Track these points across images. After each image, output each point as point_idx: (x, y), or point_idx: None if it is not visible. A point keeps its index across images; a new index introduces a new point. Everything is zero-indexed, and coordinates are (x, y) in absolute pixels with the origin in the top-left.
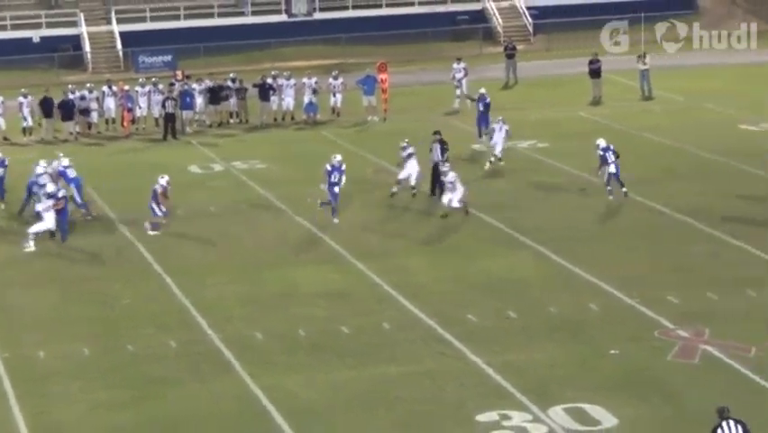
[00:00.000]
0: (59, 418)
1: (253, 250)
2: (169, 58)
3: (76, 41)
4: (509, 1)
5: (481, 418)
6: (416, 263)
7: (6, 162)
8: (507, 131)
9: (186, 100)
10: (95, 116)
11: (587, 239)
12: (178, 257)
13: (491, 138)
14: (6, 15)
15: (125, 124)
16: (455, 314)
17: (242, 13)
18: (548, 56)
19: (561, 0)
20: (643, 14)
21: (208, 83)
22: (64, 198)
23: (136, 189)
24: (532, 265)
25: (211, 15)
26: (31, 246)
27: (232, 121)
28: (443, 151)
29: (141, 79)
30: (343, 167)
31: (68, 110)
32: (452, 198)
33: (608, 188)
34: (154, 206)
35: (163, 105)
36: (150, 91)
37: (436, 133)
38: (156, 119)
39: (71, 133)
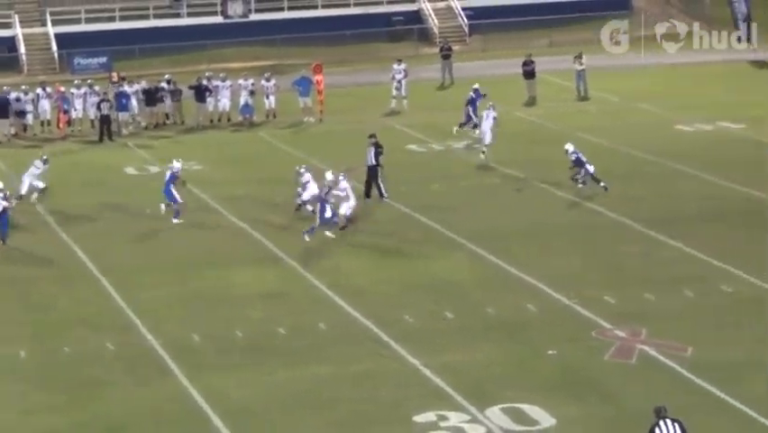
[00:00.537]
0: None
1: (189, 251)
2: (104, 59)
3: (10, 43)
4: (445, 2)
5: (419, 418)
6: (353, 264)
7: None
8: (494, 118)
9: (121, 102)
10: (30, 118)
11: (523, 240)
12: (114, 259)
13: (480, 127)
14: None
15: (61, 125)
16: (392, 315)
17: (177, 15)
18: (484, 56)
19: (496, 1)
20: (578, 14)
21: (143, 85)
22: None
23: (72, 191)
24: (469, 266)
25: (146, 17)
26: None
27: (167, 122)
28: (378, 154)
29: (76, 81)
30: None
31: (2, 108)
32: (349, 207)
33: (580, 185)
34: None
35: (98, 107)
36: (85, 93)
37: (372, 136)
38: (92, 121)
39: (5, 135)
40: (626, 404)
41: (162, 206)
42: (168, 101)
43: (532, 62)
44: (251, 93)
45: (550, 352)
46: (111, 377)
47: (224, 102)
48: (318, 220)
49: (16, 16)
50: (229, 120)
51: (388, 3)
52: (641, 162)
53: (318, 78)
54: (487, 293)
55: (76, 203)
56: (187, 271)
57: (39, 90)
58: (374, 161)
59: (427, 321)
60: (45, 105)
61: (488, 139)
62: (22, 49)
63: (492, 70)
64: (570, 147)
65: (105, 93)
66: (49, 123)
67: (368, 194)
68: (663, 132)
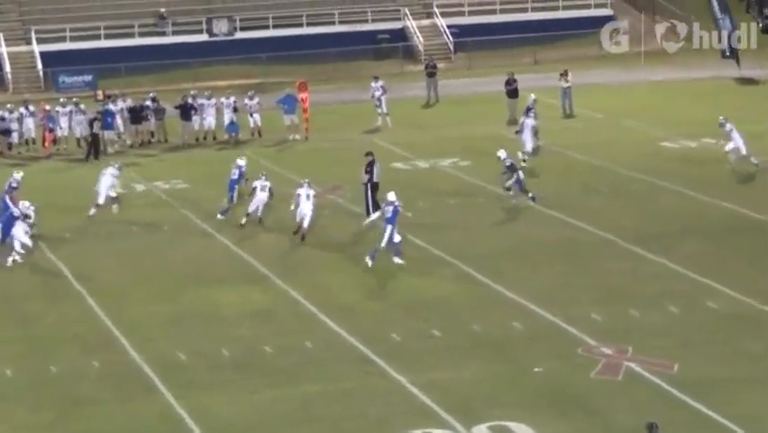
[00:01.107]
0: None
1: (175, 270)
2: (89, 78)
3: None
4: (430, 19)
5: None
6: (339, 282)
7: None
8: (532, 126)
9: (107, 120)
10: (15, 137)
11: (510, 257)
12: (100, 277)
13: (522, 134)
14: None
15: (46, 144)
16: (379, 333)
17: (162, 33)
18: (469, 74)
19: (481, 19)
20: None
21: (129, 103)
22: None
23: (58, 210)
24: (455, 284)
25: (131, 35)
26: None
27: (152, 141)
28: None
29: (61, 99)
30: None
31: None
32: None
33: (511, 193)
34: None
35: (91, 125)
36: (71, 111)
37: (369, 154)
38: (78, 139)
39: None
40: (613, 421)
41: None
42: (152, 119)
43: (515, 81)
44: (236, 110)
45: (536, 369)
46: (98, 395)
47: (210, 120)
48: (383, 243)
49: (1, 35)
50: (214, 138)
51: (374, 21)
52: (626, 179)
53: (303, 95)
54: (474, 311)
55: (62, 221)
56: (173, 289)
57: (22, 109)
58: (379, 178)
59: (414, 339)
60: (29, 123)
61: (528, 147)
62: (8, 67)
63: (477, 88)
64: (502, 154)
65: (98, 111)
66: (33, 141)
67: (376, 206)
68: (649, 149)
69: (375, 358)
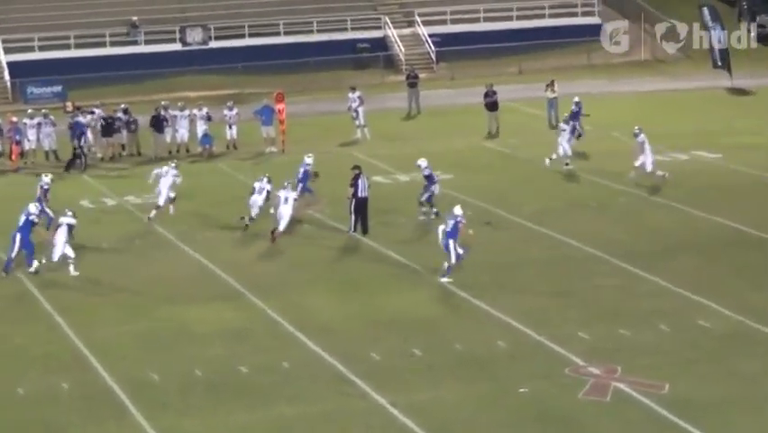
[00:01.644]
0: None
1: (147, 287)
2: (58, 88)
3: None
4: (411, 28)
5: None
6: (317, 300)
7: None
8: (567, 131)
9: (76, 133)
10: None
11: (493, 273)
12: (69, 295)
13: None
14: None
15: (13, 157)
16: (358, 352)
17: (134, 42)
18: (452, 85)
19: (464, 27)
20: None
21: (101, 114)
22: None
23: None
24: (437, 301)
25: (102, 44)
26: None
27: (123, 154)
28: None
29: (29, 110)
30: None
31: None
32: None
33: (424, 209)
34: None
35: (80, 138)
36: (39, 123)
37: (355, 167)
38: (46, 152)
39: None
40: None
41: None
42: (124, 132)
43: (494, 93)
44: (209, 118)
45: (521, 390)
46: (67, 418)
47: (183, 132)
48: (454, 259)
49: None
50: (188, 151)
51: (353, 29)
52: (615, 193)
53: (280, 106)
54: (456, 329)
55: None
56: (145, 306)
57: None
58: (365, 193)
59: (394, 358)
60: None
61: (560, 151)
62: None
63: (460, 99)
64: (423, 163)
65: (87, 123)
66: (0, 154)
67: (366, 229)
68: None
69: (354, 378)
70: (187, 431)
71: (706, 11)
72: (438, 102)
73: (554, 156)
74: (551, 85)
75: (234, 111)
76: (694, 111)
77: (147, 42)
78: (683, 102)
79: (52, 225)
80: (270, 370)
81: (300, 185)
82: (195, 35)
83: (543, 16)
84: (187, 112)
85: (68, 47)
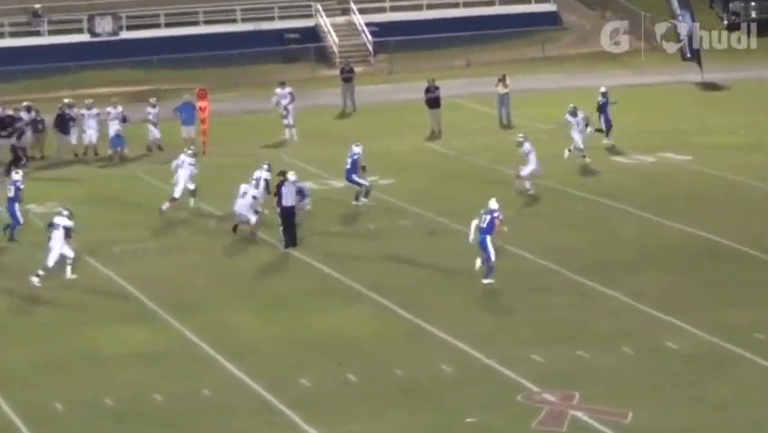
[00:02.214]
0: None
1: (52, 307)
2: None
3: None
4: (346, 16)
5: None
6: (240, 319)
7: None
8: (575, 123)
9: None
10: None
11: (437, 289)
12: None
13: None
14: None
15: None
16: (287, 377)
17: (37, 33)
18: (390, 79)
19: (405, 15)
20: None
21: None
22: None
23: None
24: (373, 320)
25: (1, 35)
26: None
27: (25, 158)
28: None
29: None
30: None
31: None
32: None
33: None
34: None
35: (19, 138)
36: None
37: (280, 173)
38: None
39: None
40: None
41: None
42: (27, 132)
43: (436, 88)
44: (125, 119)
45: (469, 420)
46: None
47: (91, 133)
48: (491, 258)
49: None
50: (96, 154)
51: (281, 18)
52: (572, 200)
53: (202, 104)
54: (395, 352)
55: None
56: (49, 328)
57: None
58: (292, 202)
59: (327, 384)
60: None
61: (576, 143)
62: None
63: (400, 95)
64: (291, 176)
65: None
66: None
67: (293, 241)
68: (598, 165)
69: (282, 407)
70: None
71: None
72: (376, 98)
73: (572, 148)
74: (502, 79)
75: (158, 109)
76: (661, 108)
77: (51, 33)
78: (649, 98)
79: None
80: (188, 398)
81: (350, 178)
82: (104, 25)
83: (493, 3)
84: (95, 111)
85: None
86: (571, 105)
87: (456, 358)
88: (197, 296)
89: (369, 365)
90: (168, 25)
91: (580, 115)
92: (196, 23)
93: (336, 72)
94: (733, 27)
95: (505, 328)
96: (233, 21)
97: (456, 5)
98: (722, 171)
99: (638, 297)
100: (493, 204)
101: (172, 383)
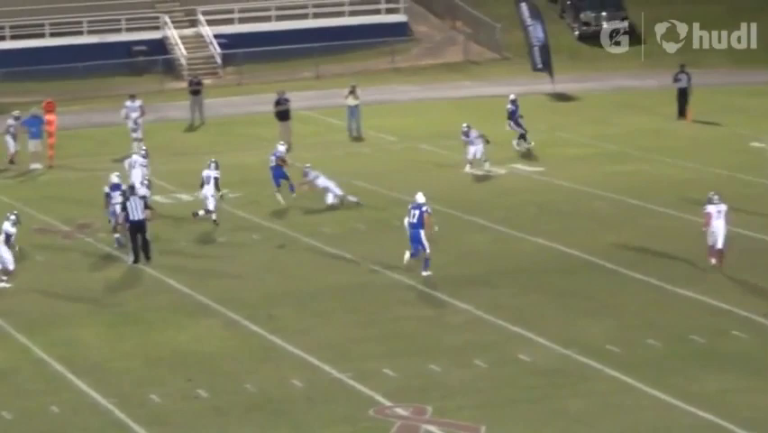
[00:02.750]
0: None
1: None
2: None
3: None
4: (194, 28)
5: None
6: (89, 335)
7: None
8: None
9: None
10: None
11: (288, 303)
12: None
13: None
14: None
15: None
16: (137, 394)
17: None
18: (240, 91)
19: (254, 27)
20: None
21: None
22: None
23: None
24: (223, 335)
25: None
26: None
27: None
28: (145, 205)
29: None
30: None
31: None
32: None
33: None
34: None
35: None
36: None
37: (130, 187)
38: None
39: None
40: None
41: None
42: None
43: (286, 100)
44: None
45: None
46: None
47: None
48: (428, 249)
49: None
50: None
51: (129, 30)
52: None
53: (50, 117)
54: (245, 367)
55: None
56: None
57: None
58: (140, 215)
59: (177, 400)
60: None
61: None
62: None
63: (250, 107)
64: (114, 178)
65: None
66: None
67: (138, 257)
68: (449, 176)
69: (133, 425)
70: None
71: (524, 7)
72: (225, 111)
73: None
74: (352, 91)
75: (20, 121)
76: None
77: None
78: (500, 109)
79: None
80: (37, 416)
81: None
82: None
83: (342, 14)
84: None
85: None
86: (465, 125)
87: (307, 373)
88: (46, 312)
89: (219, 381)
90: (13, 38)
91: (474, 133)
92: (41, 36)
93: (184, 85)
94: (584, 37)
95: (357, 342)
96: (80, 33)
97: (305, 17)
98: (574, 183)
99: (490, 310)
100: (420, 198)
101: (21, 400)
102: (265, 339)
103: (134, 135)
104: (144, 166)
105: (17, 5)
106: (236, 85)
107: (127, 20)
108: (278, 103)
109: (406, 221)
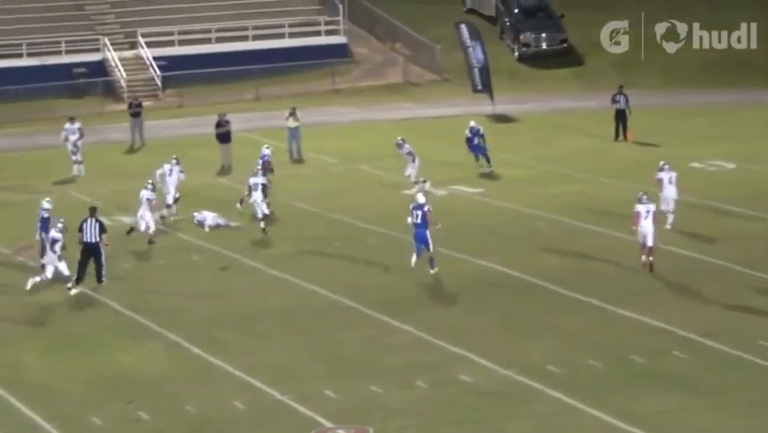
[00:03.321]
0: None
1: None
2: None
3: None
4: (134, 50)
5: None
6: (28, 357)
7: None
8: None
9: None
10: None
11: (229, 325)
12: None
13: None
14: None
15: None
16: (78, 417)
17: None
18: (180, 114)
19: (194, 49)
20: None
21: None
22: None
23: None
24: (164, 357)
25: None
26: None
27: None
28: (102, 229)
29: None
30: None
31: None
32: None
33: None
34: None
35: None
36: None
37: (90, 208)
38: None
39: None
40: None
41: None
42: None
43: (227, 122)
44: None
45: None
46: None
47: None
48: (431, 247)
49: None
50: None
51: (68, 52)
52: (364, 233)
53: None
54: (186, 388)
55: None
56: None
57: None
58: (94, 238)
59: (119, 423)
60: None
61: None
62: None
63: (191, 129)
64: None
65: None
66: None
67: (81, 279)
68: (390, 198)
69: None
70: None
71: (463, 28)
72: (165, 133)
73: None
74: (292, 113)
75: None
76: (453, 141)
77: None
78: (441, 130)
79: None
80: None
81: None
82: None
83: (282, 36)
84: None
85: None
86: (399, 138)
87: (249, 395)
88: None
89: (160, 403)
90: None
91: (407, 147)
92: None
93: (124, 107)
94: (524, 58)
95: (298, 364)
96: (18, 55)
97: (245, 39)
98: (514, 204)
99: (431, 331)
100: (420, 198)
101: None
102: (207, 361)
103: (74, 158)
104: (180, 172)
105: None
106: (176, 107)
107: (67, 42)
108: (218, 125)
109: (409, 220)
